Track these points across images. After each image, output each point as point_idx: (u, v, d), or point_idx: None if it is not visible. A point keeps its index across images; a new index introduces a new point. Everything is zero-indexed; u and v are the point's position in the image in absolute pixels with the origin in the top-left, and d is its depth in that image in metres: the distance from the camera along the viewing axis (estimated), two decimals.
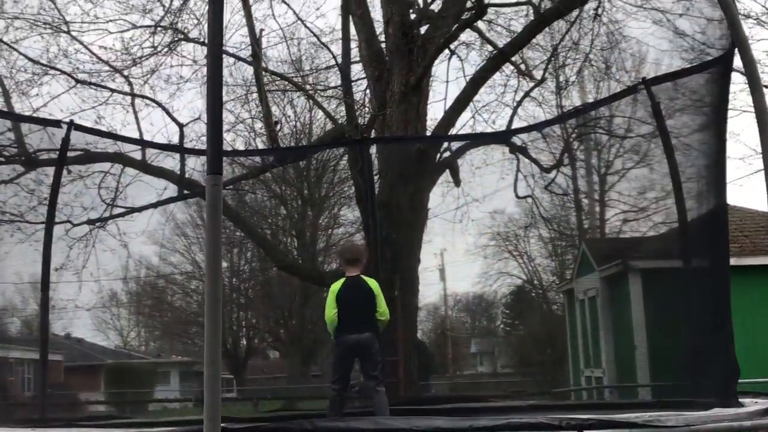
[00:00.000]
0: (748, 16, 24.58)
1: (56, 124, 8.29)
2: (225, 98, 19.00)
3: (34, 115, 15.07)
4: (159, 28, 16.31)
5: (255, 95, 17.18)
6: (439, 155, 17.65)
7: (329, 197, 36.08)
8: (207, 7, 14.11)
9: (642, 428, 4.44)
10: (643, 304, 13.06)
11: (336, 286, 7.54)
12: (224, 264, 43.65)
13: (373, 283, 7.56)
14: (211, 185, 4.02)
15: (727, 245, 6.16)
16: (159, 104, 16.61)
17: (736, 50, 5.46)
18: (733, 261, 13.28)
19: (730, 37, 5.50)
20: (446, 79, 18.41)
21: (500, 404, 7.40)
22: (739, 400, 5.54)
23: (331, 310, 7.46)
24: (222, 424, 4.05)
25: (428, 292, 53.35)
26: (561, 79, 20.92)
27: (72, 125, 8.02)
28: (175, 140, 16.28)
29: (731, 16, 5.18)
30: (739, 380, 6.73)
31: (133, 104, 16.57)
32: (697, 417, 4.67)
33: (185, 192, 15.21)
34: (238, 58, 16.98)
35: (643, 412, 4.99)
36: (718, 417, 4.74)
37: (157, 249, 38.44)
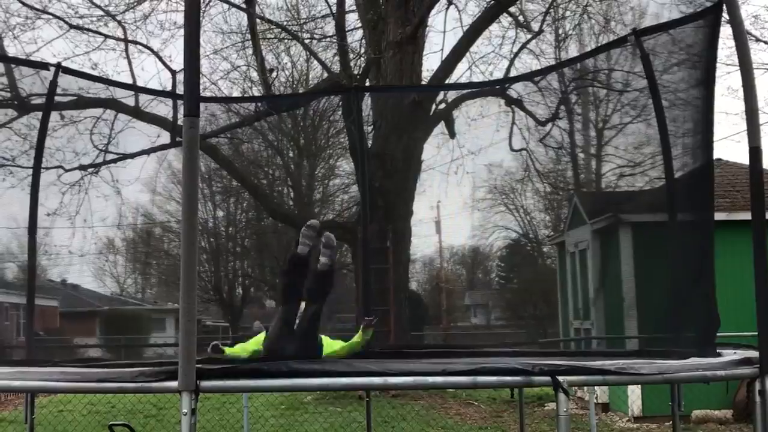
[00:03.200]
0: None
1: (44, 66, 8.23)
2: (220, 45, 18.93)
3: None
4: None
5: (250, 43, 17.08)
6: (434, 107, 17.61)
7: (325, 148, 36.02)
8: None
9: (615, 375, 4.49)
10: (633, 257, 13.11)
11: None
12: (220, 213, 43.75)
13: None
14: (188, 128, 3.98)
15: (712, 199, 6.19)
16: (152, 50, 16.55)
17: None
18: (724, 216, 13.37)
19: None
20: (443, 29, 18.33)
21: (483, 350, 7.44)
22: (719, 351, 5.58)
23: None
24: (198, 366, 4.09)
25: (424, 244, 53.52)
26: (559, 32, 20.83)
27: (60, 68, 7.94)
28: (169, 87, 16.21)
29: None
30: (727, 333, 6.79)
31: (126, 50, 16.51)
32: (671, 365, 4.72)
33: (178, 139, 15.17)
34: (231, 4, 16.86)
35: (621, 360, 5.04)
36: (692, 366, 4.78)
37: (152, 197, 38.46)
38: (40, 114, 10.99)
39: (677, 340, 6.43)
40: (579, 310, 16.25)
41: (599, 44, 20.74)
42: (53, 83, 7.89)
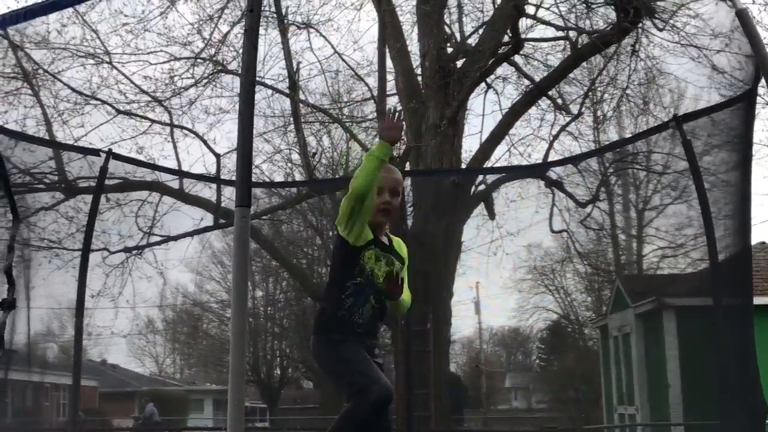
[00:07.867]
0: None
1: (95, 152, 8.47)
2: (263, 129, 19.27)
3: (75, 144, 15.33)
4: (199, 60, 16.57)
5: (293, 127, 17.38)
6: (474, 188, 17.67)
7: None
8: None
9: None
10: (677, 342, 12.95)
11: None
12: (259, 293, 43.88)
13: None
14: (240, 218, 4.07)
15: (750, 283, 6.16)
16: (197, 135, 16.86)
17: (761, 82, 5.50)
18: (758, 300, 13.24)
19: (753, 68, 5.55)
20: (482, 113, 18.49)
21: None
22: None
23: None
24: None
25: (463, 326, 53.19)
26: (598, 114, 20.93)
27: (111, 154, 8.18)
28: (213, 170, 16.48)
29: (756, 48, 5.21)
30: None
31: (172, 134, 16.83)
32: None
33: (221, 221, 15.37)
34: (276, 90, 17.21)
35: None
36: None
37: (193, 277, 38.76)
38: (85, 197, 11.25)
39: (725, 427, 6.33)
40: (623, 394, 15.99)
41: (638, 125, 20.81)
42: (104, 168, 8.10)
